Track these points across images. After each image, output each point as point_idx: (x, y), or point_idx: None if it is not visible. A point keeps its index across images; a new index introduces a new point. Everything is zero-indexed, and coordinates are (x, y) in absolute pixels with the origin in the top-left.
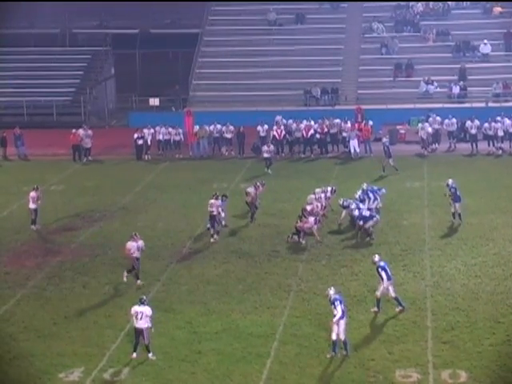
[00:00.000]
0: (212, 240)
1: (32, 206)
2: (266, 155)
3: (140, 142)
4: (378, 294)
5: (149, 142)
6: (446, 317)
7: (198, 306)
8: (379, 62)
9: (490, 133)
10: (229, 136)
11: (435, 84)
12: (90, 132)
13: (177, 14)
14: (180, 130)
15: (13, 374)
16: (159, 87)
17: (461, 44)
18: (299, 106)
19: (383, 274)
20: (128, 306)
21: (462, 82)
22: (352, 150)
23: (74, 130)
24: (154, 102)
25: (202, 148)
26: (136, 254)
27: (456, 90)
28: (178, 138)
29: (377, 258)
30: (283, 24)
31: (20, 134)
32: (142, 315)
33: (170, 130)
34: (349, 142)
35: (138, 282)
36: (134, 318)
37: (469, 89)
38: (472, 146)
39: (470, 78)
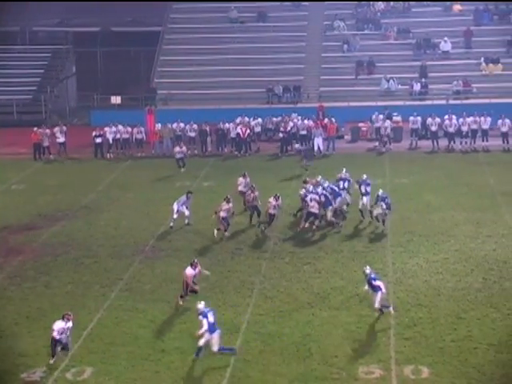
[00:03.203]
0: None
1: None
2: (178, 156)
3: (98, 140)
4: (377, 305)
5: (110, 141)
6: (408, 313)
7: (161, 305)
8: (341, 59)
9: (451, 130)
10: (192, 134)
11: (396, 81)
12: (64, 128)
13: (138, 12)
14: (142, 129)
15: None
16: (121, 85)
17: (421, 41)
18: (261, 104)
19: (377, 283)
20: (91, 305)
21: (422, 80)
22: (316, 148)
23: (35, 129)
24: (116, 100)
25: (165, 146)
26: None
27: (417, 87)
28: (140, 137)
29: (368, 269)
30: (245, 22)
31: None
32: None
33: (129, 129)
34: (313, 139)
35: (181, 302)
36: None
37: (430, 86)
38: (433, 143)
39: (430, 75)
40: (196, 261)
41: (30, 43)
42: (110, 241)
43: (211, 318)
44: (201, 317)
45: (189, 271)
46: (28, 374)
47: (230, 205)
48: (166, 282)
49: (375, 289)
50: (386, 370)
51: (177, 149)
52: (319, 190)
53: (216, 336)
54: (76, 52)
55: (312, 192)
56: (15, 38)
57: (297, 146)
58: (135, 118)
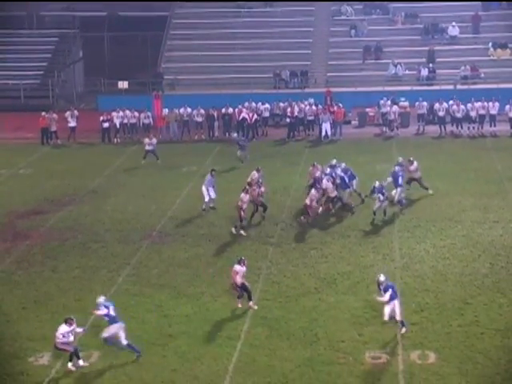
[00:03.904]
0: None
1: None
2: (147, 148)
3: (106, 125)
4: (386, 315)
5: (118, 126)
6: (414, 298)
7: (168, 290)
8: (348, 44)
9: (458, 115)
10: (199, 119)
11: (404, 66)
12: (76, 112)
13: None
14: (149, 114)
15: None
16: (128, 70)
17: (429, 26)
18: (269, 89)
19: (388, 293)
20: (98, 289)
21: (430, 65)
22: (323, 133)
23: (43, 113)
24: (123, 85)
25: (172, 131)
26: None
27: (424, 72)
28: (147, 122)
29: (382, 277)
30: (252, 7)
31: None
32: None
33: (136, 113)
34: (321, 124)
35: (251, 303)
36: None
37: (437, 71)
38: (440, 128)
39: (438, 60)
40: (243, 258)
41: (37, 28)
42: (117, 226)
43: (112, 311)
44: (102, 308)
45: (238, 268)
46: (36, 357)
47: (248, 196)
48: (172, 266)
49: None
50: (392, 354)
51: (146, 140)
52: (338, 171)
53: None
54: (83, 37)
55: (328, 174)
56: (22, 23)
57: (234, 135)
58: (142, 103)
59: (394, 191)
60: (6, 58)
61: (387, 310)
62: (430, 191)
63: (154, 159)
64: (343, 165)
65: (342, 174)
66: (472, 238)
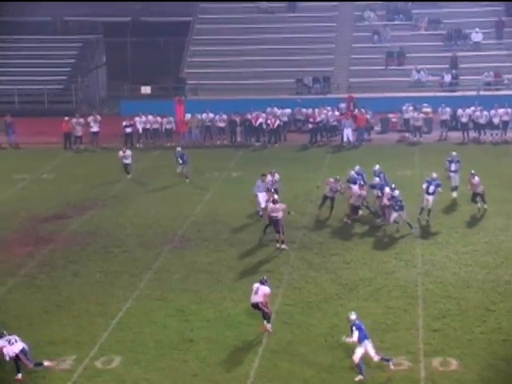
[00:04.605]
0: (283, 246)
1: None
2: (125, 161)
3: (128, 130)
4: (357, 358)
5: (140, 131)
6: (437, 305)
7: (189, 294)
8: (371, 50)
9: (481, 121)
10: (221, 125)
11: (426, 72)
12: (98, 117)
13: (167, 2)
14: (171, 119)
15: (5, 362)
16: (151, 75)
17: (452, 32)
18: (291, 95)
19: (356, 333)
20: (119, 294)
21: (453, 71)
22: (345, 139)
23: (66, 118)
24: (146, 90)
25: (194, 136)
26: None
27: (447, 78)
28: (169, 127)
29: (353, 315)
30: (275, 12)
31: (11, 122)
32: (258, 290)
33: (158, 118)
34: (343, 130)
35: (268, 325)
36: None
37: (460, 77)
38: (463, 134)
39: (461, 66)
40: (265, 278)
41: (61, 33)
42: (139, 230)
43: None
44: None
45: (265, 290)
46: (58, 361)
47: (279, 205)
48: (194, 271)
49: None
50: (414, 361)
51: (120, 153)
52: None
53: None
54: (106, 42)
55: (355, 183)
56: (47, 28)
57: (178, 149)
58: (165, 108)
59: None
60: (31, 63)
61: (359, 352)
62: (486, 206)
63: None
64: (357, 168)
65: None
66: (495, 244)
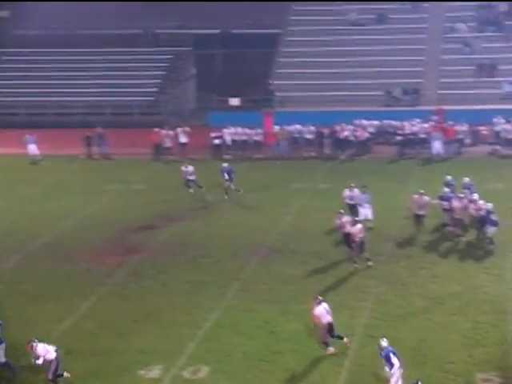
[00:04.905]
0: (369, 263)
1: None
2: (188, 178)
3: (217, 141)
4: None
5: (228, 142)
6: None
7: (276, 306)
8: (461, 62)
9: None
10: (309, 137)
11: None
12: (187, 129)
13: (258, 14)
14: (260, 131)
15: (94, 370)
16: (239, 87)
17: None
18: (379, 107)
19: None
20: (207, 304)
21: None
22: (434, 152)
23: (155, 130)
24: (234, 101)
25: (282, 148)
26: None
27: None
28: (257, 139)
29: (385, 342)
30: (364, 24)
31: (102, 134)
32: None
33: (247, 130)
34: (432, 142)
35: (331, 349)
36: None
37: None
38: None
39: None
40: (320, 297)
41: (152, 45)
42: (227, 241)
43: None
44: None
45: (319, 311)
46: (145, 371)
47: (359, 225)
48: (281, 283)
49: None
50: (505, 378)
51: (182, 169)
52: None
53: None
54: (196, 54)
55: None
56: (138, 41)
57: (224, 165)
58: (253, 120)
59: None
60: (122, 75)
61: (394, 380)
62: None
63: (265, 178)
64: (449, 178)
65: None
66: None
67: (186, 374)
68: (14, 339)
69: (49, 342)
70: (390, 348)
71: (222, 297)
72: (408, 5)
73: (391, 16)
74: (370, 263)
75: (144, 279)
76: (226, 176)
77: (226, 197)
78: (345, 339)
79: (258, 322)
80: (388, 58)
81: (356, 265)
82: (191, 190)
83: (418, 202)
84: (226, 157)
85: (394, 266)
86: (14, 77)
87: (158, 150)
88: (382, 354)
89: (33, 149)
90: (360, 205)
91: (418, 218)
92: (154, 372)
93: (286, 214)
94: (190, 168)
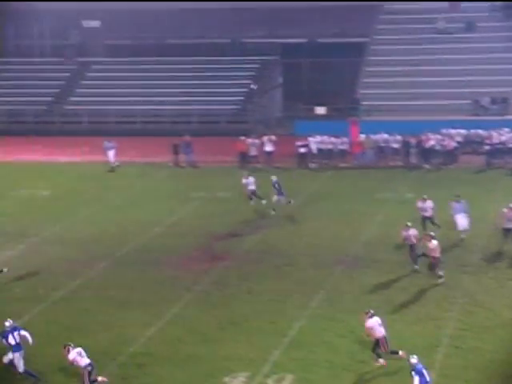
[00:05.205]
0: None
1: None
2: (249, 188)
3: (302, 150)
4: None
5: (314, 151)
6: None
7: (361, 316)
8: None
9: None
10: (395, 146)
11: None
12: (273, 137)
13: (344, 23)
14: (345, 139)
15: (180, 376)
16: (325, 96)
17: None
18: (467, 116)
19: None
20: (291, 313)
21: None
22: None
23: (241, 138)
24: (320, 110)
25: (368, 157)
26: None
27: None
28: (343, 147)
29: (414, 359)
30: (453, 32)
31: (189, 142)
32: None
33: (332, 139)
34: None
35: (381, 360)
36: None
37: None
38: None
39: None
40: (371, 311)
41: (239, 54)
42: (311, 250)
43: (12, 340)
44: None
45: (371, 323)
46: (230, 378)
47: (434, 242)
48: (365, 292)
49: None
50: None
51: (243, 180)
52: None
53: (17, 355)
54: (283, 63)
55: None
56: (226, 49)
57: (274, 178)
58: (338, 129)
59: None
60: (208, 83)
61: None
62: None
63: (350, 187)
64: None
65: None
66: None
67: (270, 381)
68: (101, 345)
69: (135, 348)
70: (419, 366)
71: (306, 305)
72: (497, 12)
73: (480, 24)
74: (440, 280)
75: (229, 286)
76: (276, 190)
77: (272, 212)
78: (400, 353)
79: (342, 331)
80: (476, 67)
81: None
82: (252, 202)
83: (508, 215)
84: (311, 165)
85: (482, 277)
86: (104, 85)
87: (244, 158)
88: (414, 370)
89: (111, 155)
90: (456, 215)
91: (507, 232)
92: (239, 379)
93: (371, 223)
94: (251, 179)
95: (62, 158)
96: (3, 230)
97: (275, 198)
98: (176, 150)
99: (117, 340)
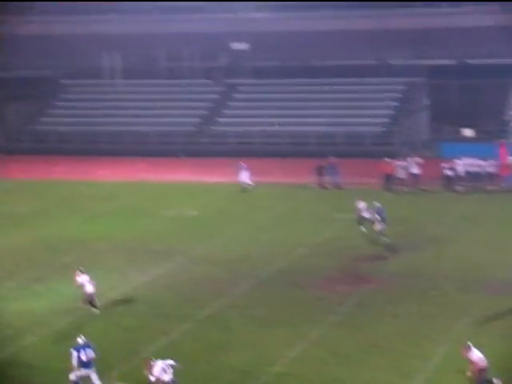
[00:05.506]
0: None
1: None
2: (362, 214)
3: (449, 172)
4: None
5: (461, 173)
6: None
7: (509, 342)
8: None
9: None
10: None
11: None
12: (419, 160)
13: (493, 44)
14: (494, 162)
15: None
16: (473, 118)
17: None
18: None
19: None
20: (436, 337)
21: None
22: None
23: (386, 160)
24: (468, 132)
25: None
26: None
27: None
28: (491, 170)
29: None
30: None
31: (335, 163)
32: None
33: (480, 162)
34: None
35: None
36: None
37: None
38: None
39: None
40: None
41: (386, 75)
42: (457, 274)
43: (84, 356)
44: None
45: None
46: None
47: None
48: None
49: None
50: None
51: (358, 206)
52: None
53: (89, 372)
54: (430, 84)
55: None
56: (372, 71)
57: (377, 204)
58: (485, 151)
59: None
60: (354, 105)
61: None
62: None
63: (499, 210)
64: None
65: None
66: None
67: None
68: (244, 363)
69: (277, 368)
70: None
71: (450, 330)
72: None
73: None
74: None
75: (373, 309)
76: (378, 217)
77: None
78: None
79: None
80: None
81: None
82: (364, 229)
83: None
84: (457, 188)
85: None
86: (251, 106)
87: (389, 180)
88: None
89: (244, 177)
90: None
91: None
92: None
93: None
94: (363, 204)
95: (209, 179)
96: (152, 249)
97: (377, 226)
98: (320, 171)
99: (260, 359)
